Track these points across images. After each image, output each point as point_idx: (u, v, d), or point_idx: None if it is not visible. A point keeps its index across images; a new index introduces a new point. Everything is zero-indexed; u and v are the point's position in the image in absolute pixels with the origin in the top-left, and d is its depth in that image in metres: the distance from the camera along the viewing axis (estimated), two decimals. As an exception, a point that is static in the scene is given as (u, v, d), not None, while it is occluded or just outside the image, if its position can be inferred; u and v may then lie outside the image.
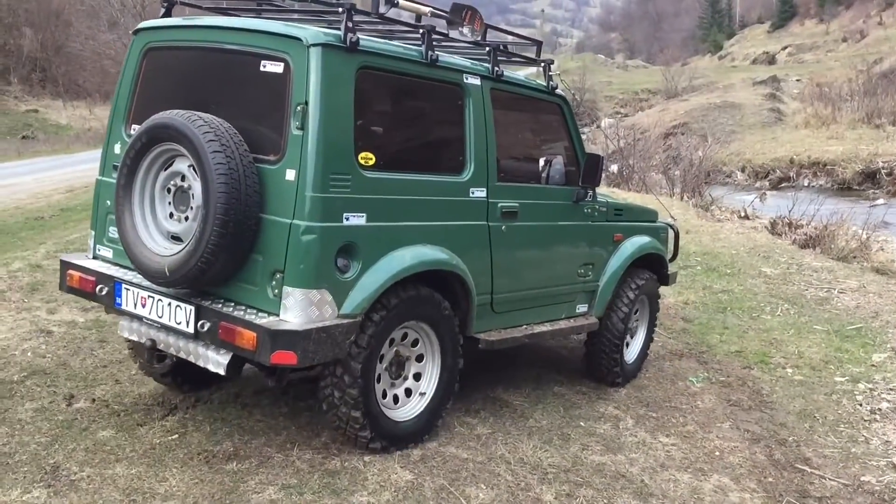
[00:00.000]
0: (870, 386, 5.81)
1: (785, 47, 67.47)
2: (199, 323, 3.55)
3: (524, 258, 4.63)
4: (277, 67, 3.53)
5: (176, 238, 3.66)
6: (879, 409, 5.44)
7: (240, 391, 4.65)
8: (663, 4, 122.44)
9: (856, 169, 19.40)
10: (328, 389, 3.75)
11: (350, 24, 3.51)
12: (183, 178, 3.64)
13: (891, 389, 5.73)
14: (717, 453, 4.61)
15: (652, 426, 4.88)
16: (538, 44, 5.19)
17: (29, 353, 5.04)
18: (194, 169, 3.51)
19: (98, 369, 4.92)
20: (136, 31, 4.29)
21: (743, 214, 14.57)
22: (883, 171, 18.76)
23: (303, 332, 3.36)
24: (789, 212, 12.45)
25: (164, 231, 3.71)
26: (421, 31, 3.95)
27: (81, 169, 17.45)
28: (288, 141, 3.47)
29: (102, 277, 4.00)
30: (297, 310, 3.41)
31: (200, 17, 4.16)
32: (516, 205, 4.45)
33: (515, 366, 5.61)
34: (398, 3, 3.87)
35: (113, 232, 4.05)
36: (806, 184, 20.23)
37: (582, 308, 5.18)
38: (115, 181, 3.81)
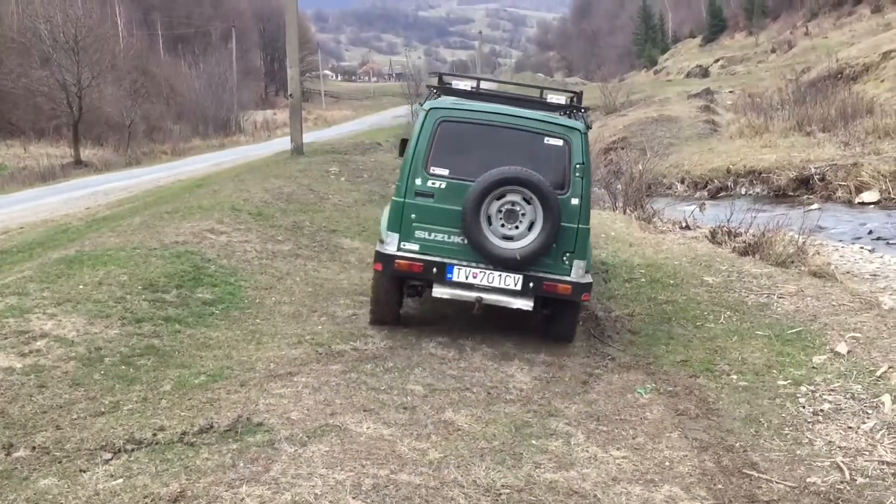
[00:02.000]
0: (811, 388, 5.95)
1: (717, 60, 69.20)
2: (528, 283, 6.33)
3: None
4: (559, 142, 6.36)
5: (507, 238, 6.30)
6: (822, 411, 5.57)
7: (186, 430, 4.57)
8: (598, 22, 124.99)
9: (790, 175, 19.89)
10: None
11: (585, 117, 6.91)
12: (513, 203, 6.27)
13: (831, 390, 5.87)
14: (667, 463, 4.67)
15: (603, 440, 4.92)
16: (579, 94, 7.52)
17: (-36, 404, 4.88)
18: (526, 200, 6.24)
19: (38, 415, 4.79)
20: (430, 109, 6.50)
21: (684, 225, 14.84)
22: (815, 177, 19.29)
23: (590, 284, 6.52)
24: (728, 221, 12.71)
25: (499, 235, 6.30)
26: (580, 111, 7.12)
27: (18, 210, 17.01)
28: (571, 182, 6.34)
29: (430, 262, 6.37)
30: (579, 272, 6.40)
31: (482, 104, 6.67)
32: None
33: (465, 387, 5.62)
34: (587, 111, 7.27)
35: (419, 234, 6.41)
36: (743, 192, 20.69)
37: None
38: (415, 202, 6.37)
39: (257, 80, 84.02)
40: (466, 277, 6.37)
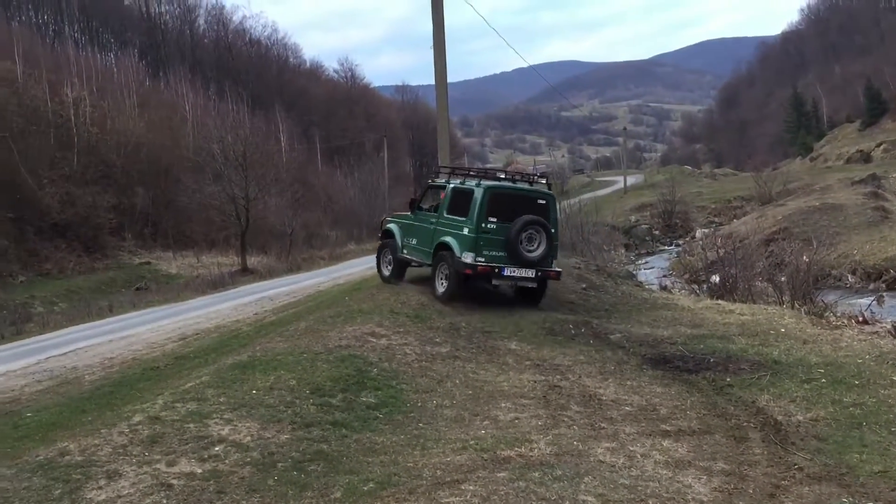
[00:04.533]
0: None
1: (879, 144, 65.92)
2: (537, 273, 12.37)
3: None
4: (544, 202, 12.69)
5: (531, 252, 12.15)
6: None
7: None
8: (746, 112, 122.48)
9: (978, 262, 18.32)
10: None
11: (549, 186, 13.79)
12: (531, 235, 12.15)
13: None
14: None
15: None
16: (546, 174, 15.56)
17: (151, 508, 5.08)
18: (538, 231, 12.19)
19: (218, 522, 4.91)
20: (486, 187, 12.24)
21: (861, 319, 13.81)
22: None
23: (560, 271, 13.17)
24: (913, 314, 11.74)
25: (526, 250, 12.13)
26: (542, 180, 13.90)
27: (192, 316, 18.14)
28: (552, 223, 12.59)
29: (494, 266, 12.06)
30: (555, 265, 12.79)
31: (508, 183, 13.00)
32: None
33: (639, 499, 5.31)
34: (548, 181, 14.14)
35: (484, 252, 12.06)
36: (925, 282, 19.20)
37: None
38: (481, 235, 12.07)
39: (407, 184, 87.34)
40: (510, 273, 12.28)
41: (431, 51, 17.83)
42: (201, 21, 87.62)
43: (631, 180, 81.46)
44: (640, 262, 34.79)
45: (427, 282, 13.20)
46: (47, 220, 40.60)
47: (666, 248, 41.50)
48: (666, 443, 6.58)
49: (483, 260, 11.99)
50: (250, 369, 8.32)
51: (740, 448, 6.52)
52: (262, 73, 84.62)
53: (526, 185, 13.14)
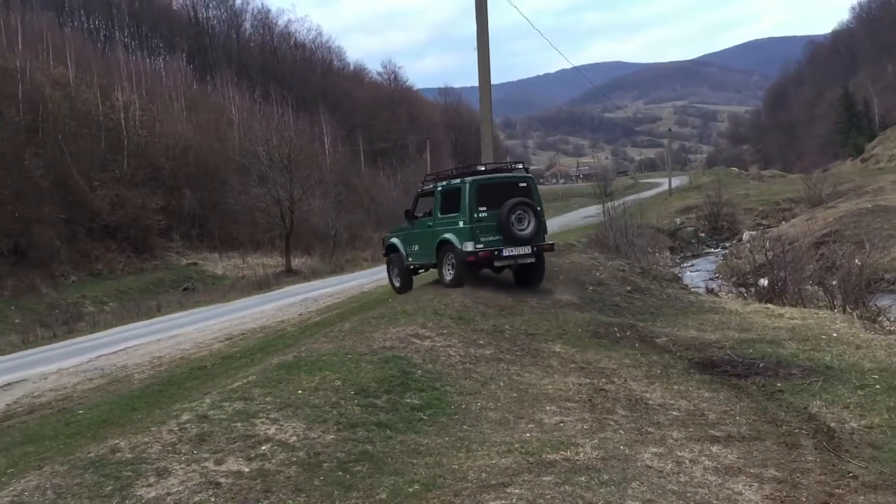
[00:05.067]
0: None
1: (934, 144, 64.06)
2: (534, 248, 13.38)
3: None
4: (525, 185, 13.78)
5: (522, 230, 13.13)
6: None
7: None
8: (795, 113, 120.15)
9: None
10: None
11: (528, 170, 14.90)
12: (522, 214, 13.17)
13: None
14: None
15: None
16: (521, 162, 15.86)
17: (199, 506, 5.14)
18: (525, 211, 13.24)
19: (265, 520, 4.94)
20: (471, 183, 13.35)
21: (917, 324, 13.44)
22: None
23: (553, 243, 14.95)
24: (972, 319, 11.38)
25: (517, 229, 13.12)
26: (519, 165, 15.03)
27: (238, 317, 18.38)
28: (536, 202, 13.59)
29: (493, 250, 13.10)
30: (548, 239, 14.43)
31: (489, 175, 13.84)
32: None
33: None
34: (524, 166, 15.17)
35: (482, 239, 13.07)
36: (984, 286, 18.62)
37: None
38: (475, 225, 13.14)
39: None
40: (509, 252, 13.29)
41: (474, 52, 17.81)
42: (247, 25, 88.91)
43: (675, 182, 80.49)
44: (685, 264, 34.35)
45: (472, 283, 13.21)
46: (98, 221, 41.51)
47: (712, 250, 40.87)
48: (715, 448, 6.46)
49: (482, 246, 13.11)
50: (296, 369, 8.38)
51: (792, 455, 6.38)
52: (307, 76, 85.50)
53: (506, 173, 14.20)
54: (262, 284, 31.60)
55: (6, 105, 41.31)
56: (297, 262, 39.67)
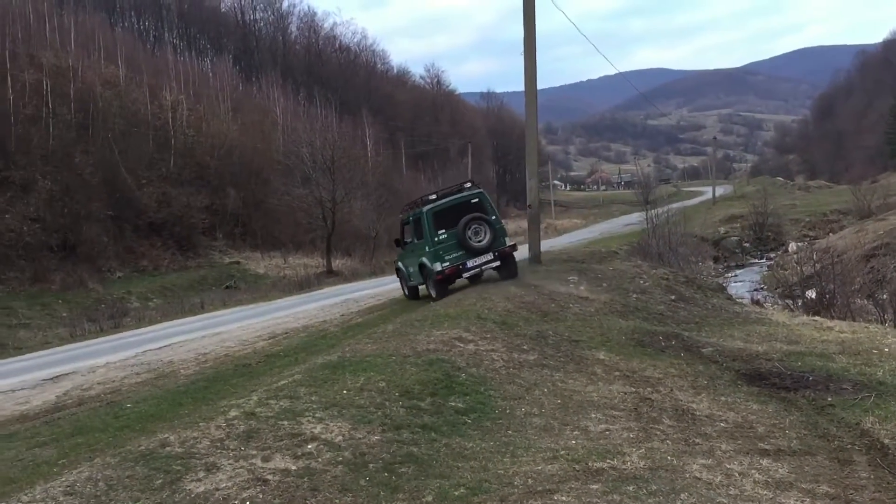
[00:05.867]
0: None
1: None
2: (495, 253, 15.42)
3: None
4: (476, 200, 15.84)
5: (479, 241, 15.21)
6: None
7: None
8: (844, 123, 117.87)
9: None
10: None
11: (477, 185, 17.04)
12: (476, 228, 15.20)
13: None
14: None
15: None
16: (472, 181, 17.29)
17: (248, 503, 5.19)
18: (480, 225, 15.27)
19: (312, 519, 4.97)
20: (426, 210, 15.63)
21: (972, 341, 13.07)
22: None
23: (515, 245, 16.14)
24: None
25: (475, 241, 15.19)
26: (468, 184, 16.68)
27: (280, 316, 18.52)
28: (489, 212, 15.79)
29: (458, 266, 15.26)
30: (508, 242, 15.82)
31: (444, 200, 15.97)
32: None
33: None
34: (474, 182, 17.20)
35: (446, 258, 15.28)
36: None
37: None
38: (437, 247, 15.40)
39: (490, 191, 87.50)
40: (474, 263, 15.26)
41: (517, 56, 18.09)
42: (293, 28, 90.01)
43: (719, 191, 79.52)
44: (729, 274, 33.87)
45: (517, 287, 13.22)
46: (144, 218, 42.24)
47: (756, 261, 40.30)
48: (765, 462, 6.35)
49: (447, 264, 15.24)
50: (340, 370, 8.42)
51: (845, 471, 6.24)
52: (351, 79, 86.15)
53: (455, 195, 16.06)
54: (303, 284, 31.86)
55: (59, 103, 42.27)
56: (337, 263, 39.92)
